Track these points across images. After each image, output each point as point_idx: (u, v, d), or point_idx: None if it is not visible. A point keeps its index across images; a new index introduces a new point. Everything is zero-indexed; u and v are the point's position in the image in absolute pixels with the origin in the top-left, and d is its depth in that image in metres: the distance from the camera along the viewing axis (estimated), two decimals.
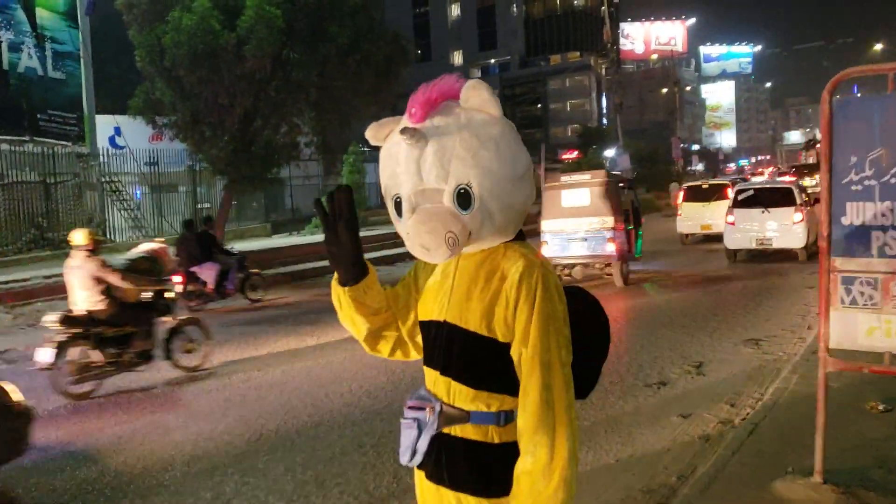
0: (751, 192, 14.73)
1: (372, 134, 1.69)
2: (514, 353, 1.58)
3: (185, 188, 23.21)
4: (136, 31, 15.84)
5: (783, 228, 13.88)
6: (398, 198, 1.61)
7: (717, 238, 15.84)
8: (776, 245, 13.93)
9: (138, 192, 22.74)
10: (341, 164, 21.10)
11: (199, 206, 22.92)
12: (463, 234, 1.55)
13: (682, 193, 19.24)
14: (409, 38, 19.69)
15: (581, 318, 1.70)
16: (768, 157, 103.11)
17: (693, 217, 18.19)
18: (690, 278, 12.58)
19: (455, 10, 71.46)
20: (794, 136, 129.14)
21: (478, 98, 1.56)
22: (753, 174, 51.65)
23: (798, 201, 13.98)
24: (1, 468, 3.34)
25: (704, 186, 19.02)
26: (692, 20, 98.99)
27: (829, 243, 3.86)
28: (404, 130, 1.53)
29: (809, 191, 15.92)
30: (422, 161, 1.54)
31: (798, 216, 13.82)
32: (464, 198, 1.54)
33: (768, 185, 15.80)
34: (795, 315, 8.83)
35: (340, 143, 18.67)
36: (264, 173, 17.08)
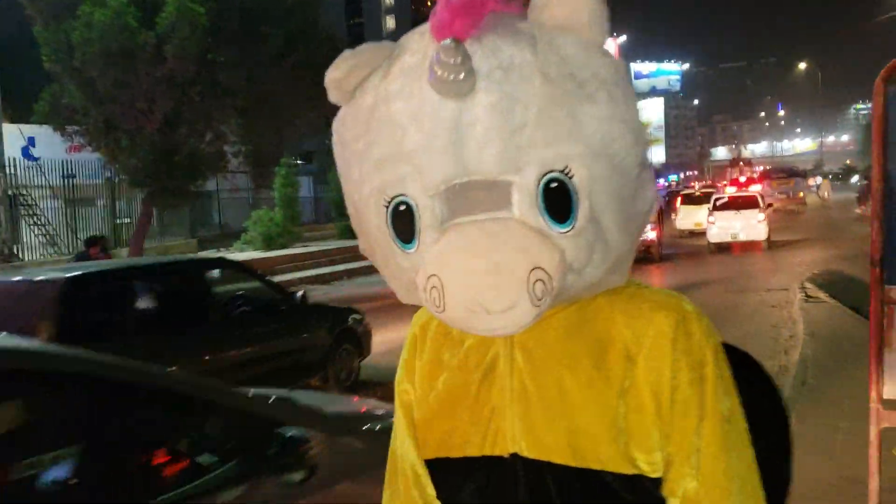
0: (725, 199, 20.58)
1: (341, 74, 0.97)
2: (671, 490, 0.97)
3: (102, 202, 21.80)
4: (42, 26, 14.46)
5: (749, 225, 18.75)
6: (402, 202, 0.92)
7: (703, 233, 20.93)
8: (743, 238, 18.70)
9: (50, 206, 21.17)
10: (273, 176, 19.97)
11: (118, 220, 21.60)
12: (559, 273, 0.89)
13: (679, 198, 26.40)
14: (345, 41, 18.78)
15: (752, 400, 1.03)
16: (696, 172, 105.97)
17: (688, 217, 24.41)
18: (696, 258, 18.18)
19: (390, 22, 71.26)
20: (721, 153, 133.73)
21: (569, 6, 0.92)
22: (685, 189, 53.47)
23: (761, 205, 19.61)
24: None
25: (698, 194, 26.20)
26: (623, 38, 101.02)
27: (881, 268, 3.10)
28: (443, 51, 0.84)
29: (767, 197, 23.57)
30: (466, 125, 0.87)
31: (761, 216, 19.04)
32: (558, 198, 0.89)
33: (740, 194, 22.21)
34: (767, 338, 8.23)
35: (272, 155, 17.58)
36: (188, 185, 15.88)
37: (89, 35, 13.56)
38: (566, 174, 0.88)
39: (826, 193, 43.99)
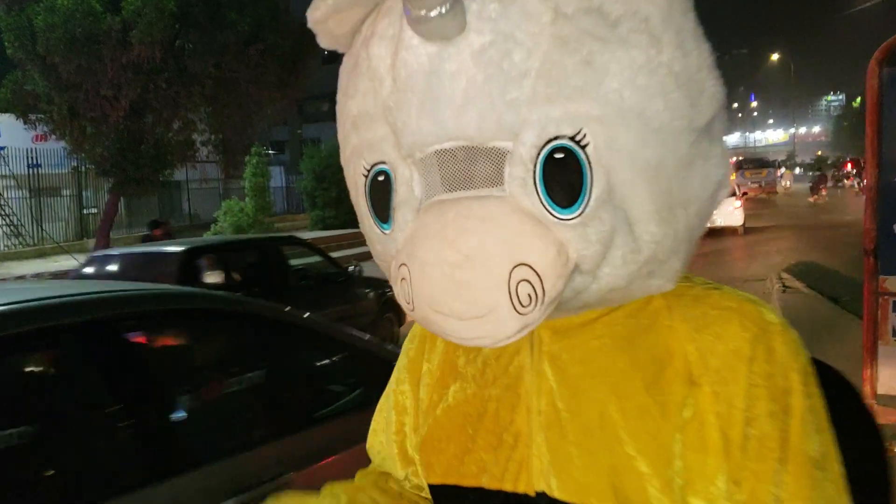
0: None
1: (320, 15, 0.81)
2: None
3: (69, 191, 21.38)
4: (4, 11, 14.00)
5: (727, 212, 19.16)
6: (380, 169, 0.80)
7: None
8: (721, 223, 19.16)
9: (15, 196, 20.67)
10: (243, 166, 19.61)
11: (84, 211, 21.30)
12: (554, 274, 0.71)
13: None
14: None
15: (845, 438, 0.80)
16: None
17: None
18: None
19: None
20: None
21: None
22: None
23: (737, 193, 20.80)
24: None
25: None
26: None
27: (876, 258, 2.96)
28: None
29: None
30: (450, 76, 0.71)
31: (738, 203, 19.59)
32: (563, 174, 0.70)
33: None
34: None
35: (242, 144, 17.24)
36: (155, 175, 15.51)
37: (53, 20, 13.20)
38: (577, 141, 0.69)
39: (787, 183, 46.52)
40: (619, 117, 0.70)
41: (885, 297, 2.99)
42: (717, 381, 0.76)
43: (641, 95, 0.70)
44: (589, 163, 0.70)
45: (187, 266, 6.47)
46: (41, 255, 18.56)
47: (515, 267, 0.68)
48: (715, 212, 0.80)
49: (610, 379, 0.80)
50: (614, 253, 0.74)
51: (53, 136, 15.46)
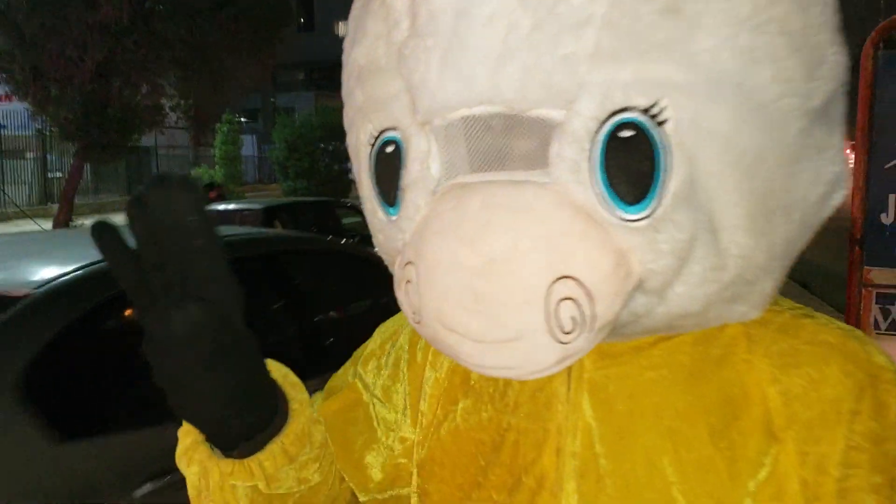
0: None
1: None
2: None
3: (33, 155, 20.82)
4: None
5: None
6: (389, 138, 0.65)
7: None
8: None
9: None
10: (213, 134, 19.24)
11: (49, 175, 20.71)
12: (611, 292, 0.56)
13: None
14: None
15: None
16: None
17: None
18: None
19: None
20: None
21: None
22: None
23: None
24: None
25: None
26: None
27: (862, 248, 2.89)
28: None
29: None
30: (484, 19, 0.55)
31: None
32: (631, 158, 0.55)
33: None
34: None
35: (213, 110, 16.89)
36: (122, 140, 15.11)
37: None
38: (652, 115, 0.54)
39: None
40: (712, 87, 0.54)
41: (869, 288, 2.93)
42: (805, 438, 0.61)
43: (743, 60, 0.54)
44: (666, 146, 0.54)
45: (266, 221, 8.21)
46: (4, 219, 18.08)
47: (557, 280, 0.54)
48: None
49: (666, 422, 0.64)
50: (691, 268, 0.58)
51: (16, 97, 15.00)
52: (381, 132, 0.65)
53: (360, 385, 0.84)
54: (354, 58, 0.68)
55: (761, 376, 0.63)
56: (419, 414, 0.79)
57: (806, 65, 0.57)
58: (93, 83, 14.02)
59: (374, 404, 0.82)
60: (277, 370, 0.70)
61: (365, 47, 0.65)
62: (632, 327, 0.62)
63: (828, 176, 0.62)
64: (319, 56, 26.39)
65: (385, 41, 0.63)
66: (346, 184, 20.06)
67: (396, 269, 0.63)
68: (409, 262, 0.60)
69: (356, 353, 0.88)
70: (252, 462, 0.66)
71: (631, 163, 0.54)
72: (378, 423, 0.81)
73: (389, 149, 0.64)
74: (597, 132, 0.54)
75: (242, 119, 22.33)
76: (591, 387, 0.67)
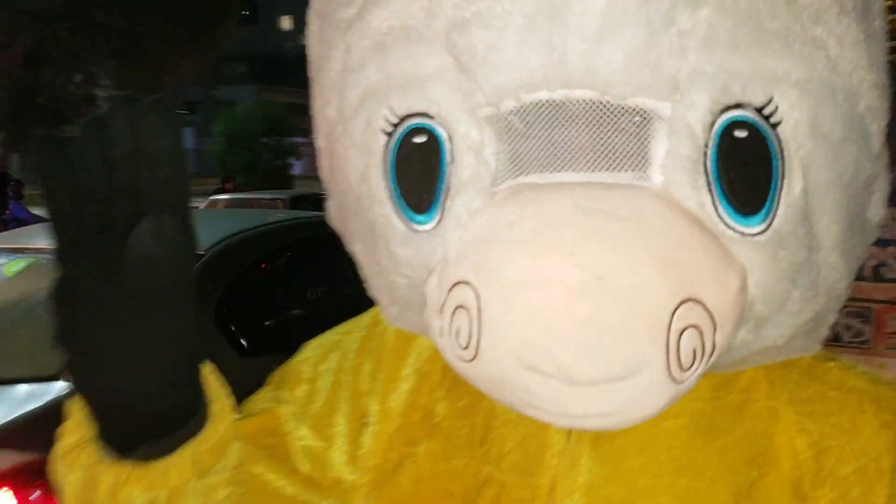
0: None
1: None
2: None
3: None
4: None
5: None
6: (421, 126, 0.51)
7: None
8: None
9: None
10: None
11: None
12: (733, 320, 0.48)
13: None
14: None
15: None
16: None
17: None
18: None
19: None
20: None
21: None
22: None
23: None
24: None
25: None
26: None
27: None
28: None
29: None
30: None
31: None
32: (746, 162, 0.48)
33: None
34: None
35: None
36: (53, 130, 14.58)
37: None
38: (766, 115, 0.47)
39: None
40: (826, 87, 0.48)
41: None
42: (842, 497, 0.54)
43: (853, 59, 0.50)
44: (781, 151, 0.48)
45: (293, 208, 8.82)
46: None
47: (682, 304, 0.45)
48: None
49: (685, 481, 0.54)
50: (794, 295, 0.51)
51: None
52: (405, 118, 0.52)
53: (281, 412, 0.69)
54: (367, 23, 0.54)
55: (788, 426, 0.56)
56: (363, 453, 0.65)
57: (882, 86, 0.53)
58: (21, 71, 13.51)
59: (298, 436, 0.67)
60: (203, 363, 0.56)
61: (392, 7, 0.52)
62: (718, 363, 0.52)
63: (877, 217, 0.57)
64: (262, 49, 25.97)
65: (424, 3, 0.50)
66: (286, 180, 19.73)
67: (433, 289, 0.51)
68: (461, 282, 0.47)
69: (276, 375, 0.73)
70: (156, 468, 0.52)
71: (747, 167, 0.48)
72: (299, 459, 0.66)
73: (419, 139, 0.52)
74: (710, 128, 0.47)
75: (185, 112, 21.73)
76: (594, 437, 0.56)
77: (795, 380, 0.58)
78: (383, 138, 0.53)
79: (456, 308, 0.48)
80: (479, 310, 0.46)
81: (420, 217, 0.53)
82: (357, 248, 0.61)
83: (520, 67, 0.47)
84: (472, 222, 0.50)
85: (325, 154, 0.61)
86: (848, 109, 0.50)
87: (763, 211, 0.48)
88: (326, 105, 0.59)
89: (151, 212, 0.44)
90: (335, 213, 0.64)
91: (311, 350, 0.73)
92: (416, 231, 0.53)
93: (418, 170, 0.52)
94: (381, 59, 0.53)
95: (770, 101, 0.47)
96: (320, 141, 0.61)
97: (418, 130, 0.52)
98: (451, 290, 0.48)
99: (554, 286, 0.44)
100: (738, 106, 0.47)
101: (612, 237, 0.45)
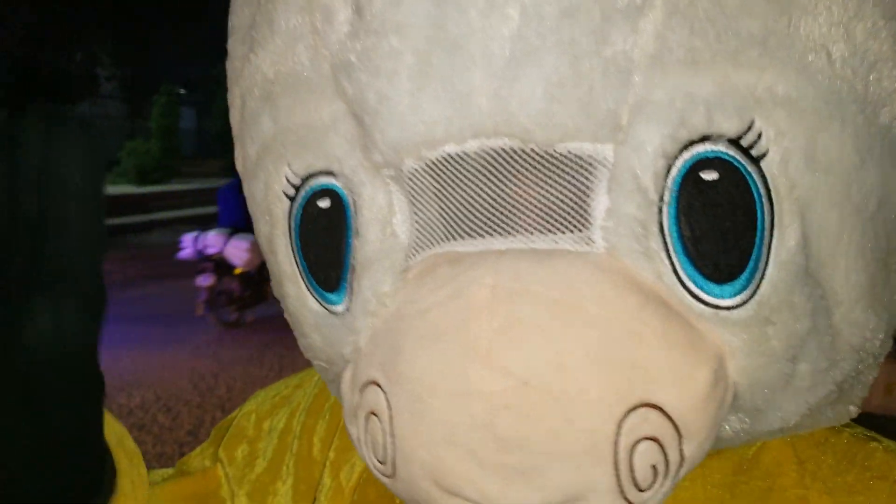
0: None
1: None
2: None
3: None
4: None
5: None
6: (324, 186, 0.43)
7: None
8: None
9: None
10: (150, 105, 18.60)
11: None
12: (705, 426, 0.37)
13: None
14: None
15: None
16: None
17: None
18: None
19: None
20: None
21: None
22: None
23: None
24: None
25: None
26: None
27: None
28: None
29: None
30: (488, 0, 0.36)
31: None
32: (718, 214, 0.36)
33: None
34: None
35: (151, 81, 16.35)
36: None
37: None
38: (746, 146, 0.37)
39: None
40: (830, 103, 0.37)
41: None
42: None
43: (862, 61, 0.38)
44: (767, 192, 0.37)
45: None
46: None
47: (631, 410, 0.36)
48: None
49: None
50: (799, 370, 0.41)
51: None
52: (308, 178, 0.43)
53: (220, 474, 0.60)
54: (256, 67, 0.46)
55: None
56: None
57: None
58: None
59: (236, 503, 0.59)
60: (112, 430, 0.47)
61: (274, 51, 0.44)
62: (710, 451, 0.43)
63: None
64: None
65: (309, 42, 0.42)
66: None
67: (346, 391, 0.43)
68: (372, 382, 0.40)
69: (218, 430, 0.64)
70: None
71: (718, 218, 0.36)
72: None
73: (323, 203, 0.43)
74: (666, 174, 0.36)
75: (182, 91, 21.57)
76: None
77: (831, 464, 0.47)
78: (285, 203, 0.45)
79: (369, 414, 0.40)
80: (390, 419, 0.38)
81: (330, 296, 0.44)
82: (290, 316, 0.52)
83: (416, 120, 0.38)
84: (383, 308, 0.42)
85: (249, 201, 0.52)
86: (863, 124, 0.38)
87: (743, 276, 0.37)
88: (238, 153, 0.51)
89: (51, 291, 0.36)
90: (274, 281, 0.54)
91: (257, 403, 0.64)
92: (330, 313, 0.45)
93: (324, 241, 0.44)
94: (272, 111, 0.45)
95: (750, 127, 0.36)
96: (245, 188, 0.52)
97: (322, 192, 0.43)
98: (362, 390, 0.41)
99: (471, 396, 0.36)
100: (704, 139, 0.36)
101: (540, 330, 0.36)
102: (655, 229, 0.37)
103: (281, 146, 0.44)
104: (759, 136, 0.36)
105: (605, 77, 0.35)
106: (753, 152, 0.36)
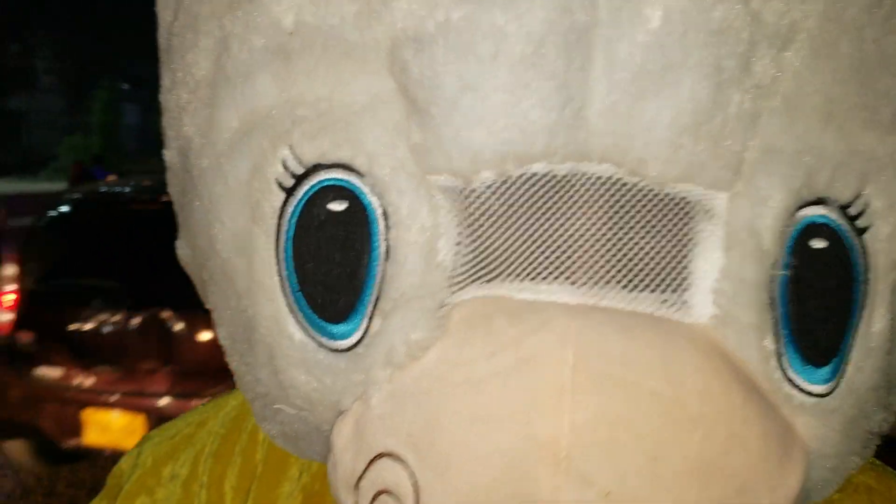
0: None
1: None
2: None
3: None
4: None
5: None
6: (337, 183, 0.33)
7: None
8: None
9: None
10: (91, 100, 18.15)
11: None
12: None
13: None
14: None
15: None
16: None
17: None
18: None
19: None
20: None
21: None
22: None
23: None
24: None
25: None
26: None
27: None
28: None
29: None
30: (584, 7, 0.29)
31: None
32: (821, 281, 0.32)
33: None
34: None
35: (93, 75, 15.97)
36: None
37: None
38: (852, 216, 0.32)
39: None
40: None
41: None
42: None
43: None
44: (866, 270, 0.32)
45: None
46: None
47: None
48: None
49: None
50: (851, 446, 0.37)
51: None
52: (316, 168, 0.33)
53: None
54: (262, 5, 0.35)
55: None
56: None
57: None
58: None
59: None
60: None
61: None
62: None
63: None
64: None
65: None
66: None
67: (344, 452, 0.34)
68: (390, 455, 0.32)
69: (113, 476, 0.56)
70: None
71: (824, 295, 0.32)
72: None
73: (336, 206, 0.33)
74: (781, 238, 0.31)
75: (125, 86, 21.01)
76: None
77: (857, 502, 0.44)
78: (279, 196, 0.34)
79: (379, 493, 0.32)
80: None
81: (333, 328, 0.34)
82: (221, 332, 0.41)
83: (512, 124, 0.30)
84: (412, 361, 0.33)
85: (177, 175, 0.41)
86: None
87: (836, 360, 0.33)
88: (182, 114, 0.39)
89: None
90: (187, 259, 0.44)
91: (153, 445, 0.55)
92: (324, 348, 0.34)
93: (331, 254, 0.33)
94: (280, 72, 0.34)
95: (859, 195, 0.32)
96: (170, 154, 0.41)
97: (335, 191, 0.33)
98: (373, 461, 0.32)
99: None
100: (820, 201, 0.32)
101: (635, 430, 0.29)
102: (767, 299, 0.31)
103: (286, 120, 0.34)
104: (868, 206, 0.32)
105: (739, 112, 0.30)
106: (859, 223, 0.32)
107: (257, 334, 0.37)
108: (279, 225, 0.35)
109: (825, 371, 0.32)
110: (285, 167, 0.34)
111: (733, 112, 0.30)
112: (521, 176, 0.30)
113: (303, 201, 0.34)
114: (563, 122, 0.29)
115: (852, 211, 0.32)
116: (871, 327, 0.33)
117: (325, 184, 0.33)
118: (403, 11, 0.31)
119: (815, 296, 0.32)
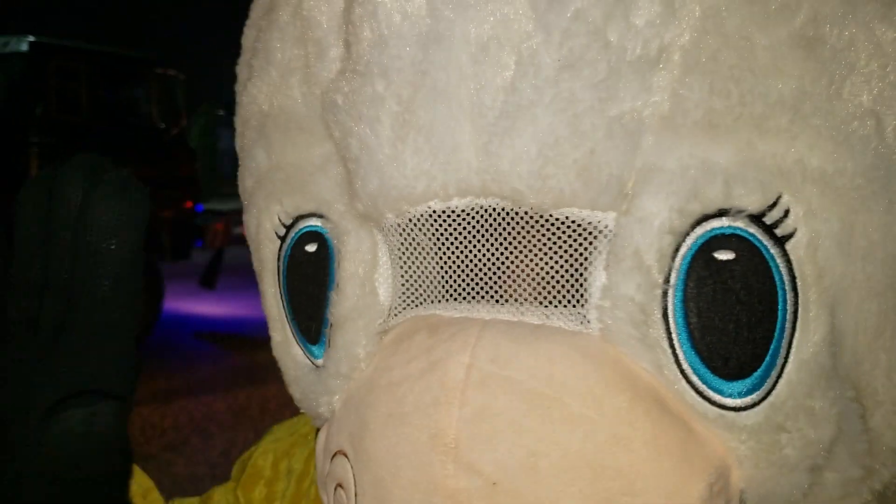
0: None
1: None
2: None
3: None
4: None
5: None
6: (311, 230, 0.42)
7: None
8: None
9: None
10: (190, 125, 18.66)
11: None
12: None
13: None
14: None
15: None
16: None
17: None
18: None
19: None
20: None
21: None
22: None
23: None
24: None
25: None
26: None
27: None
28: None
29: None
30: (481, 50, 0.33)
31: None
32: (725, 296, 0.32)
33: None
34: None
35: (189, 102, 16.43)
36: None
37: None
38: (769, 225, 0.32)
39: None
40: (877, 178, 0.33)
41: None
42: None
43: None
44: (792, 279, 0.32)
45: None
46: None
47: None
48: None
49: None
50: (824, 480, 0.34)
51: None
52: (298, 219, 0.41)
53: None
54: (253, 97, 0.44)
55: None
56: None
57: None
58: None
59: None
60: (139, 484, 0.52)
61: (270, 83, 0.42)
62: None
63: None
64: None
65: (302, 76, 0.40)
66: None
67: (319, 455, 0.41)
68: (340, 452, 0.37)
69: (239, 464, 0.64)
70: None
71: (732, 305, 0.31)
72: None
73: (311, 247, 0.41)
74: (674, 253, 0.32)
75: (221, 112, 21.63)
76: None
77: None
78: (275, 242, 0.43)
79: (336, 486, 0.38)
80: (355, 497, 0.36)
81: (314, 349, 0.43)
82: (279, 358, 0.49)
83: (396, 172, 0.35)
84: (357, 371, 0.40)
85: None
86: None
87: (757, 374, 0.32)
88: (240, 178, 0.48)
89: (86, 395, 0.40)
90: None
91: (273, 441, 0.64)
92: (311, 365, 0.43)
93: (307, 287, 0.42)
94: (266, 145, 0.43)
95: (775, 203, 0.32)
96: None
97: (311, 235, 0.41)
98: (332, 458, 0.39)
99: (435, 492, 0.32)
100: (721, 213, 0.32)
101: (515, 425, 0.32)
102: (658, 315, 0.33)
103: (273, 183, 0.43)
104: (786, 213, 0.32)
105: (609, 139, 0.32)
106: (778, 232, 0.32)
107: (277, 357, 0.46)
108: (278, 267, 0.43)
109: (742, 384, 0.32)
110: (279, 220, 0.42)
111: (600, 139, 0.31)
112: (424, 214, 0.35)
113: (290, 245, 0.42)
114: (439, 166, 0.33)
115: (768, 220, 0.31)
116: (808, 338, 0.32)
117: (305, 230, 0.41)
118: (325, 86, 0.38)
119: (723, 307, 0.31)
